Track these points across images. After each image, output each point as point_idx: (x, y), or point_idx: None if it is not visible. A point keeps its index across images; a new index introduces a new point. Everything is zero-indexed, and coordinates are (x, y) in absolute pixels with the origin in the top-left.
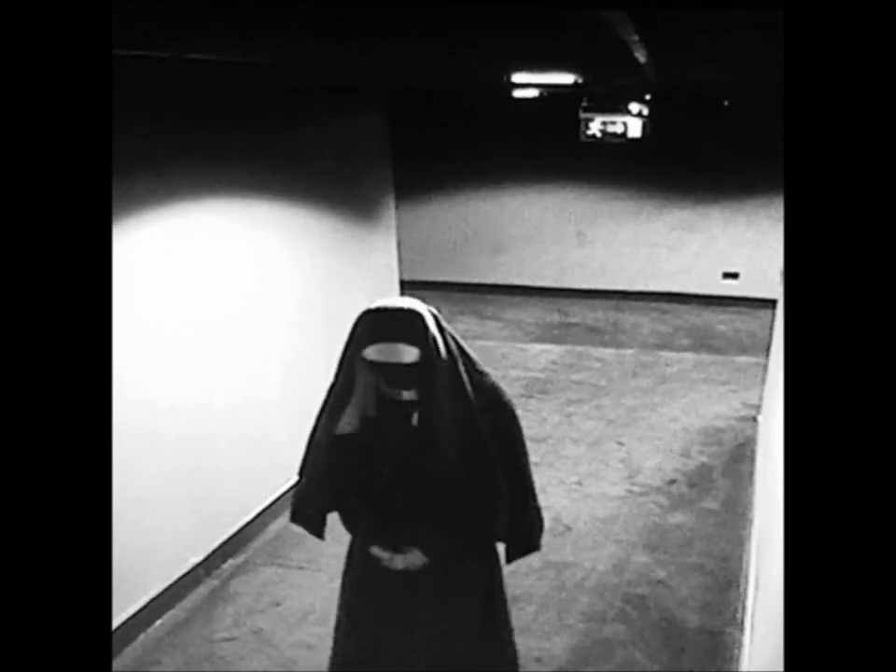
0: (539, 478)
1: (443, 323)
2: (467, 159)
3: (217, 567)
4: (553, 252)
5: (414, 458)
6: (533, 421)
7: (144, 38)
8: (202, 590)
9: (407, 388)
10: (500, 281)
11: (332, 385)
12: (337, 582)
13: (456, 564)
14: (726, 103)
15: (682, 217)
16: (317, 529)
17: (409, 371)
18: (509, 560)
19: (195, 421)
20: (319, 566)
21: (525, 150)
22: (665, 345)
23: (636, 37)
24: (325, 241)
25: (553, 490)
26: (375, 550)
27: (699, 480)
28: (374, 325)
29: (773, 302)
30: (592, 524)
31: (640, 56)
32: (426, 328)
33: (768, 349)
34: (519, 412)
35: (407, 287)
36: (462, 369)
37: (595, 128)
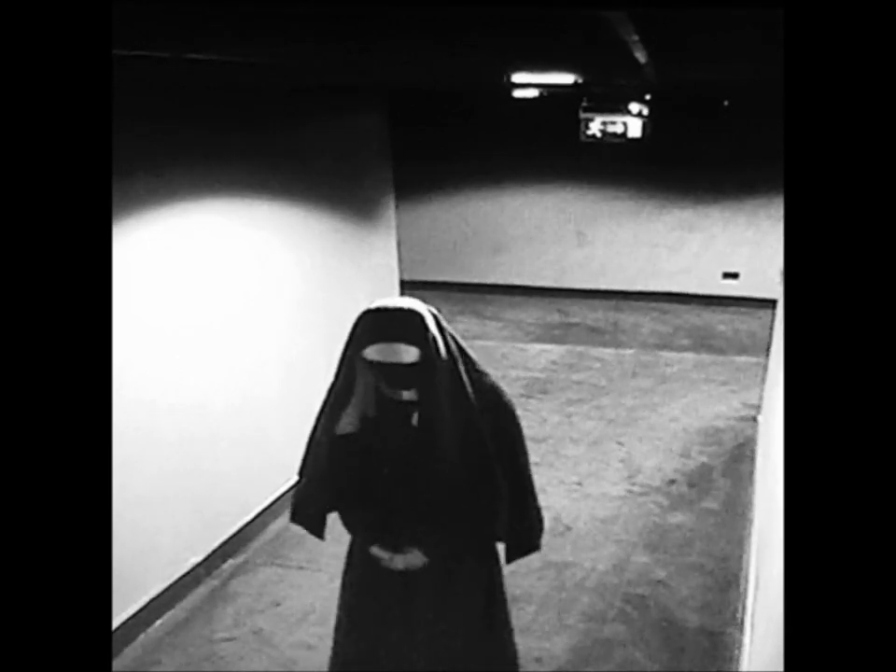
0: (540, 478)
1: (443, 323)
2: (467, 159)
3: (217, 567)
4: (553, 252)
5: (414, 458)
6: (533, 421)
7: (144, 38)
8: (202, 590)
9: (407, 388)
10: (500, 281)
11: (332, 385)
12: (337, 582)
13: (456, 563)
14: (726, 103)
15: (682, 217)
16: (317, 529)
17: (409, 371)
18: (508, 560)
19: (195, 421)
20: (319, 566)
21: (525, 150)
22: (665, 345)
23: (636, 37)
24: (325, 241)
25: (553, 490)
26: (375, 550)
27: (699, 480)
28: (374, 325)
29: (773, 302)
30: (592, 524)
31: (640, 56)
32: (426, 328)
33: (768, 349)
34: (519, 412)
35: (407, 286)
36: (462, 369)
37: (595, 128)
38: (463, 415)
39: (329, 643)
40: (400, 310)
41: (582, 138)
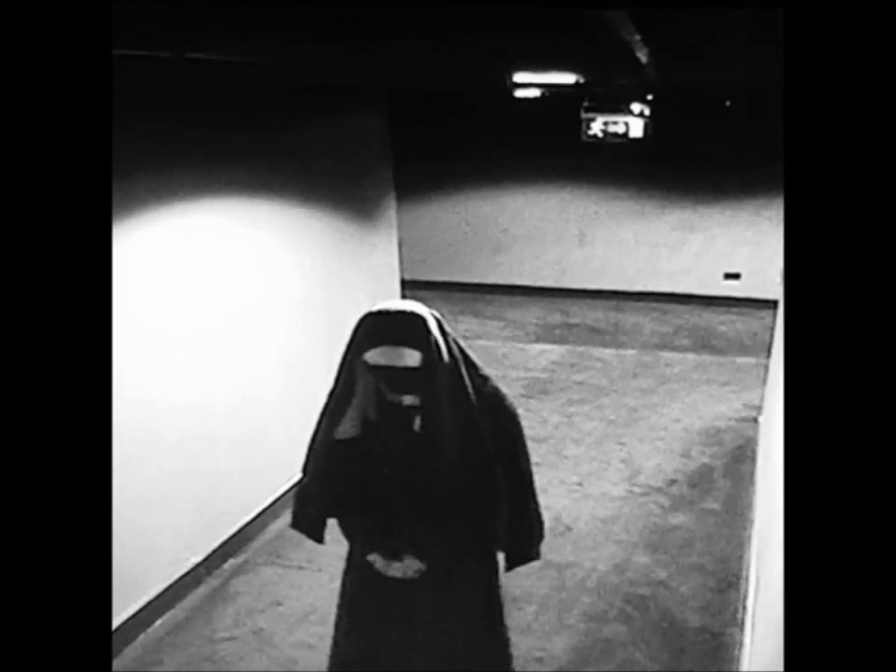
0: (540, 478)
1: (446, 326)
2: (467, 159)
3: (218, 567)
4: (553, 252)
5: (416, 464)
6: (534, 421)
7: (144, 38)
8: (202, 590)
9: (409, 393)
10: (501, 281)
11: (332, 389)
12: (337, 582)
13: (457, 564)
14: (728, 103)
15: (683, 218)
16: (317, 534)
17: (411, 374)
18: (508, 568)
19: (195, 421)
20: (319, 566)
21: (526, 150)
22: (665, 346)
23: (637, 37)
24: (325, 241)
25: (554, 490)
26: (373, 558)
27: (700, 480)
28: (376, 328)
29: (774, 303)
30: (592, 524)
31: (641, 56)
32: (428, 331)
33: (769, 350)
34: (520, 412)
35: (407, 286)
36: (465, 373)
37: (596, 128)
38: (463, 415)
39: (330, 643)
40: (402, 313)
41: (584, 138)
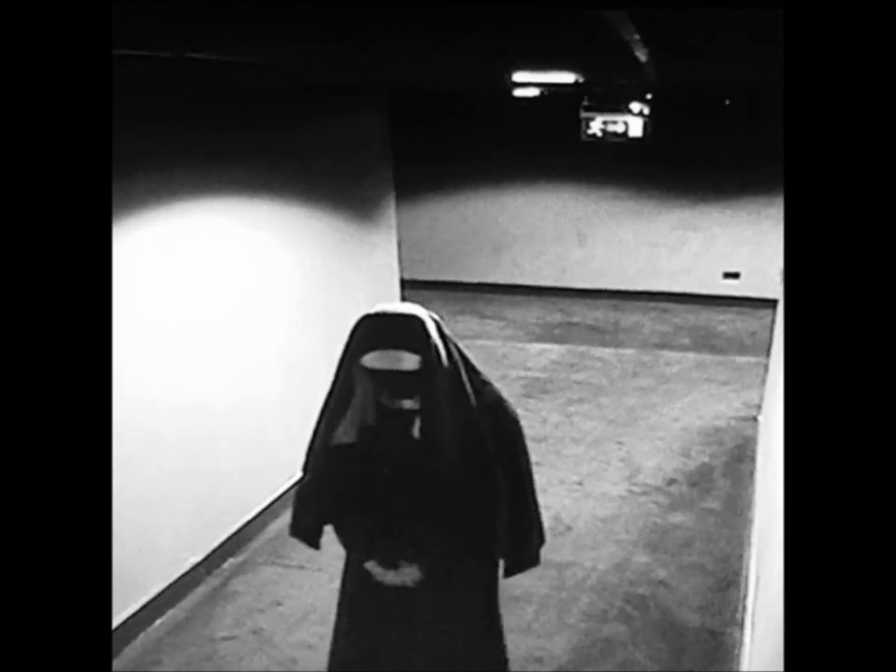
0: (540, 477)
1: (445, 329)
2: (467, 159)
3: (218, 567)
4: (553, 252)
5: (415, 469)
6: (534, 421)
7: (144, 38)
8: (202, 589)
9: (408, 397)
10: (501, 280)
11: (330, 393)
12: (337, 582)
13: (457, 564)
14: (728, 102)
15: (683, 217)
16: (314, 541)
17: (410, 378)
18: (508, 574)
19: (195, 421)
20: (319, 565)
21: (526, 150)
22: (665, 345)
23: (636, 37)
24: (325, 241)
25: (554, 490)
26: (370, 566)
27: (699, 479)
28: (374, 330)
29: (774, 302)
30: (592, 523)
31: (641, 55)
32: (427, 334)
33: (769, 349)
34: (519, 411)
35: (407, 286)
36: (465, 377)
37: (595, 127)
38: (463, 417)
39: (330, 643)
40: (401, 315)
41: (583, 138)
